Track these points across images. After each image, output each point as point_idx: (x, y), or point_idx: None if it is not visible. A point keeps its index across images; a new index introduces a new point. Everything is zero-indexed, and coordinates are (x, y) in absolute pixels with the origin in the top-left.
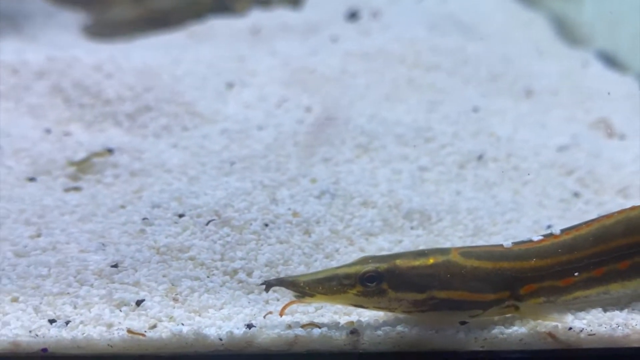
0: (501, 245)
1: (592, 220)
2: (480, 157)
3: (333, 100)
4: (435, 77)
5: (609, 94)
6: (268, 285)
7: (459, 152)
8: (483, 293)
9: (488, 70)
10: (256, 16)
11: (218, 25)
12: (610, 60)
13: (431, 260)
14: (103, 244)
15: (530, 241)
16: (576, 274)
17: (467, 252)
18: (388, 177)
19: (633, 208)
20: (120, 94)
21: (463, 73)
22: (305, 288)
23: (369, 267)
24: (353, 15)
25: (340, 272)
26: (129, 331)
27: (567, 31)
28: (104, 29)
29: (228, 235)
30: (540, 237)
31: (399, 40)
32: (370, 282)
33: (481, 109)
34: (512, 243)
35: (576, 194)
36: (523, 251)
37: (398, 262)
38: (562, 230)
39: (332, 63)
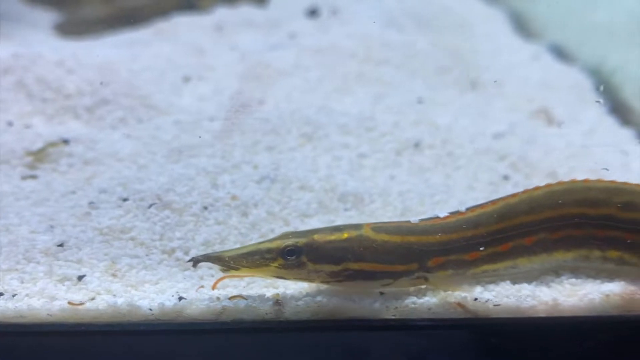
0: (409, 221)
1: (498, 199)
2: (417, 145)
3: (285, 93)
4: (384, 71)
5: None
6: (195, 261)
7: (398, 140)
8: (392, 264)
9: (436, 64)
10: (221, 13)
11: (183, 23)
12: (560, 53)
13: (345, 235)
14: (51, 226)
15: (437, 217)
16: (482, 248)
17: (378, 227)
18: (328, 164)
19: (536, 188)
20: (80, 88)
21: (411, 67)
22: (230, 262)
23: (289, 241)
24: (313, 13)
25: (263, 246)
26: (70, 303)
27: (523, 25)
28: (75, 27)
29: (168, 217)
30: (447, 214)
31: (352, 36)
32: (290, 255)
33: (426, 100)
34: (420, 220)
35: (506, 177)
36: (429, 226)
37: (316, 236)
38: (468, 208)
39: (287, 58)
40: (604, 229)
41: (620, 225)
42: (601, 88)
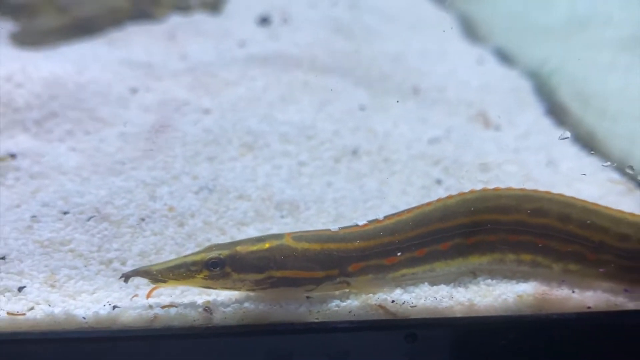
0: (329, 230)
1: (414, 208)
2: (354, 152)
3: (230, 102)
4: (329, 79)
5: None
6: (126, 277)
7: (336, 148)
8: (314, 271)
9: (380, 71)
10: (174, 21)
11: (136, 32)
12: (504, 56)
13: (267, 245)
14: None
15: (356, 225)
16: (399, 254)
17: (299, 237)
18: (268, 173)
19: (449, 197)
20: (28, 102)
21: (355, 75)
22: (158, 275)
23: (213, 254)
24: (264, 21)
25: (189, 259)
26: (9, 313)
27: (471, 29)
28: (30, 37)
29: (106, 229)
30: (365, 222)
31: (299, 45)
32: (215, 267)
33: (367, 108)
34: (339, 228)
35: (438, 181)
36: (348, 234)
37: (238, 248)
38: (385, 216)
39: (235, 67)
40: (516, 234)
41: (531, 230)
42: None
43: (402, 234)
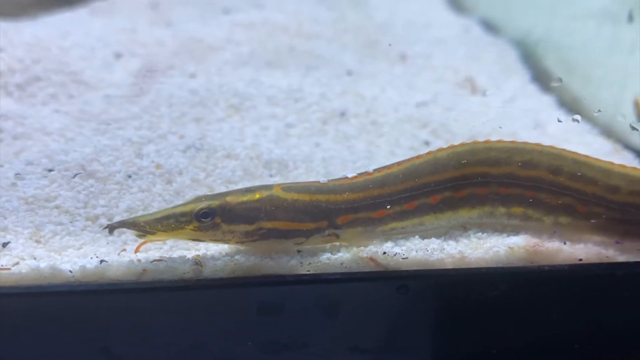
0: (318, 182)
1: (403, 161)
2: (342, 114)
3: (216, 67)
4: (315, 45)
5: None
6: (111, 227)
7: (324, 110)
8: (303, 222)
9: (366, 38)
10: None
11: (120, 2)
12: (489, 26)
13: (257, 196)
14: None
15: (345, 177)
16: (388, 206)
17: (288, 187)
18: (255, 133)
19: (440, 149)
20: (10, 66)
21: (342, 41)
22: (145, 227)
23: (203, 204)
24: None
25: (177, 210)
26: None
27: (456, 1)
28: (10, 8)
29: (92, 186)
30: (354, 175)
31: (284, 12)
32: (205, 217)
33: (355, 73)
34: (328, 180)
35: (426, 143)
36: (337, 186)
37: (228, 198)
38: (375, 169)
39: (219, 33)
40: (506, 187)
41: (522, 182)
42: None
43: (391, 186)
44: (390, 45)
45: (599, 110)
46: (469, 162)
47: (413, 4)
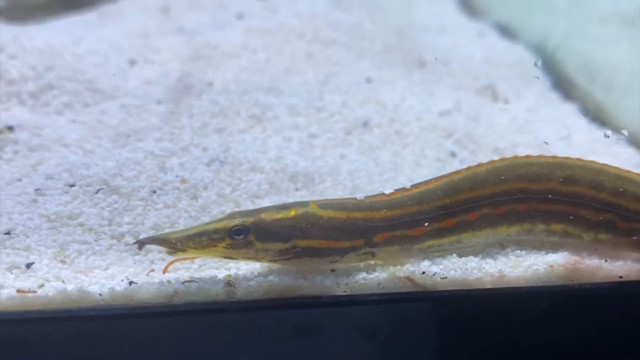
0: (355, 198)
1: (442, 176)
2: (365, 124)
3: (233, 74)
4: (333, 51)
5: None
6: (141, 243)
7: (347, 120)
8: (339, 240)
9: (384, 44)
10: None
11: (128, 5)
12: (505, 30)
13: (292, 213)
14: None
15: (382, 194)
16: (426, 224)
17: (324, 204)
18: (278, 145)
19: (480, 164)
20: (23, 74)
21: (359, 47)
22: (177, 244)
23: (237, 221)
24: None
25: (210, 227)
26: (18, 290)
27: (467, 4)
28: (18, 12)
29: (116, 202)
30: (392, 191)
31: (299, 17)
32: (238, 235)
33: (374, 80)
34: (365, 196)
35: (453, 154)
36: (374, 203)
37: (263, 215)
38: (413, 185)
39: (235, 39)
40: (546, 203)
41: (562, 198)
42: (539, 63)
43: (429, 203)
44: (436, 59)
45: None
46: (508, 177)
47: (425, 7)
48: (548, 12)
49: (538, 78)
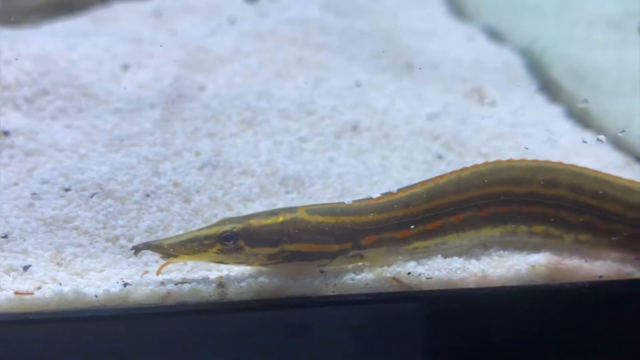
0: (343, 203)
1: (427, 180)
2: (355, 127)
3: (225, 79)
4: (323, 55)
5: None
6: (137, 249)
7: (337, 124)
8: (327, 244)
9: (373, 48)
10: None
11: (122, 9)
12: (493, 34)
13: (281, 218)
14: None
15: (370, 198)
16: (412, 226)
17: (312, 210)
18: (269, 148)
19: (464, 169)
20: (18, 79)
21: (349, 51)
22: (169, 250)
23: (226, 227)
24: None
25: (201, 233)
26: (16, 292)
27: (457, 7)
28: (12, 15)
29: (110, 206)
30: (379, 195)
31: (291, 21)
32: (228, 240)
33: (364, 84)
34: (353, 201)
35: (439, 157)
36: (362, 207)
37: (252, 221)
38: (399, 189)
39: (228, 43)
40: (528, 205)
41: (544, 201)
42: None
43: (415, 206)
44: (420, 69)
45: (623, 131)
46: (491, 181)
47: (416, 11)
48: (536, 16)
49: (519, 86)
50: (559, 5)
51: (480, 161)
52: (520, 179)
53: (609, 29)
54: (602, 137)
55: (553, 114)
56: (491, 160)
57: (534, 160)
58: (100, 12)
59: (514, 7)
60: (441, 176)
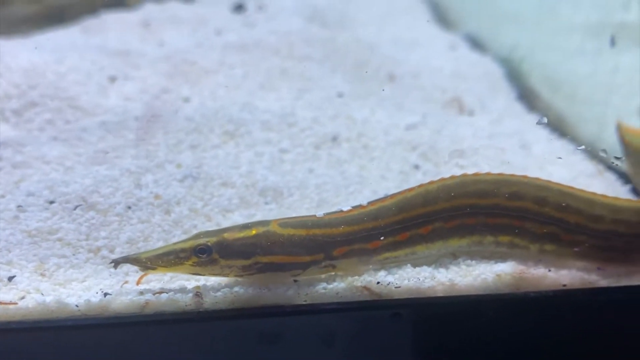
0: (314, 216)
1: (396, 193)
2: (334, 139)
3: (210, 90)
4: (307, 66)
5: None
6: (116, 263)
7: (317, 135)
8: (299, 255)
9: (355, 58)
10: (149, 9)
11: (110, 20)
12: (475, 42)
13: (254, 232)
14: None
15: (340, 211)
16: (382, 238)
17: (284, 223)
18: (250, 160)
19: (431, 182)
20: (7, 92)
21: (332, 62)
22: (147, 263)
23: (201, 241)
24: (239, 8)
25: (177, 247)
26: (0, 302)
27: (442, 15)
28: (3, 26)
29: (93, 218)
30: (349, 208)
31: (276, 32)
32: (202, 253)
33: (345, 95)
34: (324, 214)
35: (416, 167)
36: (333, 220)
37: (226, 235)
38: (369, 202)
39: (213, 55)
40: (494, 217)
41: (509, 213)
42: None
43: (385, 219)
44: (401, 79)
45: (604, 150)
46: (458, 194)
47: (400, 19)
48: (516, 24)
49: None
50: (538, 13)
51: (455, 170)
52: (485, 191)
53: (586, 37)
54: (582, 147)
55: (530, 122)
56: (468, 170)
57: (499, 174)
58: (89, 22)
59: (495, 15)
60: (410, 189)
